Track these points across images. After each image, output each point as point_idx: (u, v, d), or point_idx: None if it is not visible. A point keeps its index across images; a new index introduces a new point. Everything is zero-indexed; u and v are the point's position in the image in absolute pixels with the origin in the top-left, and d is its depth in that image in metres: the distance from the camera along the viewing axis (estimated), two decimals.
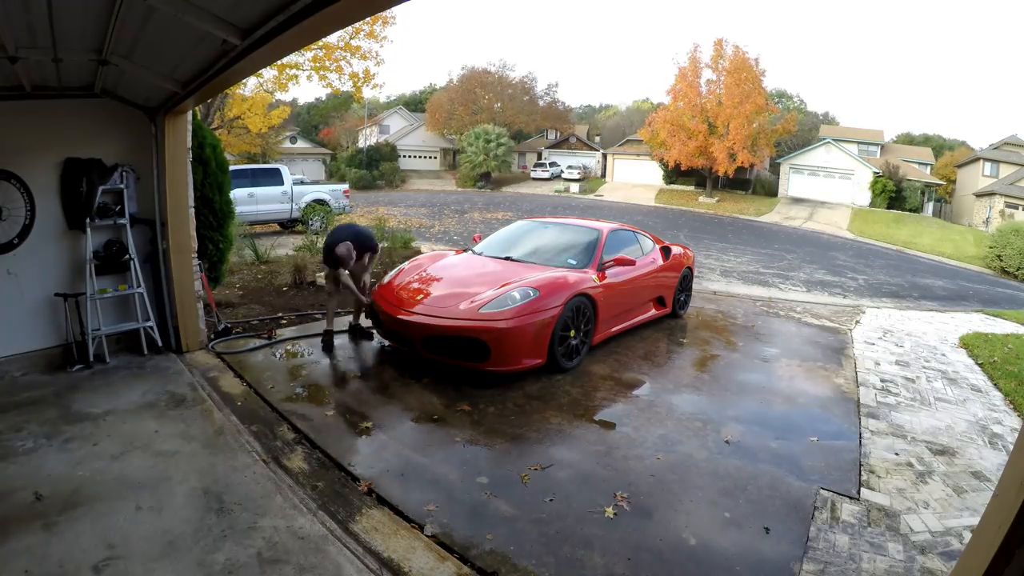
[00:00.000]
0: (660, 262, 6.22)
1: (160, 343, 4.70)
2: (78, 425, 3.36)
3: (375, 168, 39.41)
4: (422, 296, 4.73)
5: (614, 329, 5.41)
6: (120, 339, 4.66)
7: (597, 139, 49.85)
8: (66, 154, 4.33)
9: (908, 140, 48.26)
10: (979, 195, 30.29)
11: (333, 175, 39.54)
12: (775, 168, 35.71)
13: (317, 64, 14.23)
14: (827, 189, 32.47)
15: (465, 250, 6.07)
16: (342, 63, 14.55)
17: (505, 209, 23.51)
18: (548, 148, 46.51)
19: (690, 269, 6.94)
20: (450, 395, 4.07)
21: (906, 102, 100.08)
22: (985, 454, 3.69)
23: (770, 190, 35.05)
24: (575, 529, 2.63)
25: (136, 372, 4.28)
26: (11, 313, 4.19)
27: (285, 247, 10.14)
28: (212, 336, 5.07)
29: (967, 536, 2.71)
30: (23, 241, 4.22)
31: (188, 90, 3.74)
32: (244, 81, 14.04)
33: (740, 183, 35.13)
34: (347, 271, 4.97)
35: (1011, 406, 4.65)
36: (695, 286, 7.46)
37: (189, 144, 4.66)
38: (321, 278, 7.45)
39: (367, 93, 17.59)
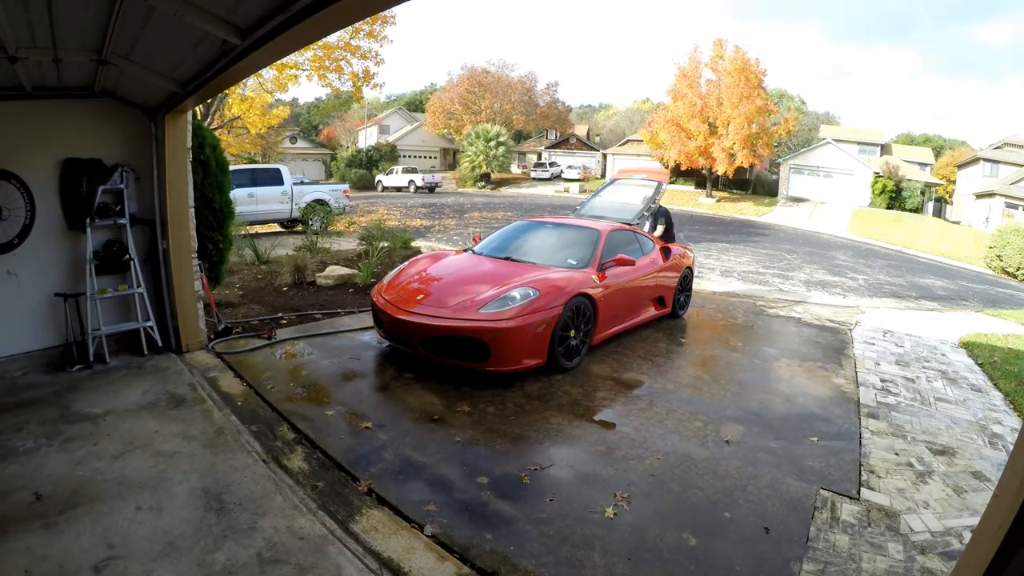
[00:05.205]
0: (660, 262, 6.22)
1: (160, 343, 4.70)
2: (78, 425, 3.36)
3: (375, 168, 39.40)
4: (422, 296, 4.72)
5: (614, 329, 5.41)
6: (120, 339, 4.66)
7: (597, 139, 49.86)
8: (66, 154, 4.33)
9: (908, 140, 48.29)
10: (979, 195, 30.29)
11: (333, 175, 39.55)
12: (775, 168, 35.71)
13: (317, 64, 14.28)
14: (827, 189, 32.47)
15: (465, 250, 6.07)
16: (342, 63, 14.61)
17: (505, 209, 23.47)
18: (548, 148, 46.48)
19: (690, 269, 6.94)
20: (450, 395, 4.07)
21: (906, 102, 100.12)
22: (985, 454, 3.69)
23: (770, 190, 35.04)
24: (575, 529, 2.63)
25: (136, 372, 4.28)
26: (11, 313, 4.19)
27: (285, 247, 10.13)
28: (212, 336, 5.07)
29: (967, 536, 2.71)
30: (23, 241, 4.21)
31: (188, 90, 3.74)
32: (244, 81, 14.04)
33: (740, 183, 35.13)
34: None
35: (1011, 406, 4.65)
36: (695, 286, 7.46)
37: (189, 144, 4.66)
38: (321, 278, 7.46)
39: (367, 93, 17.66)
